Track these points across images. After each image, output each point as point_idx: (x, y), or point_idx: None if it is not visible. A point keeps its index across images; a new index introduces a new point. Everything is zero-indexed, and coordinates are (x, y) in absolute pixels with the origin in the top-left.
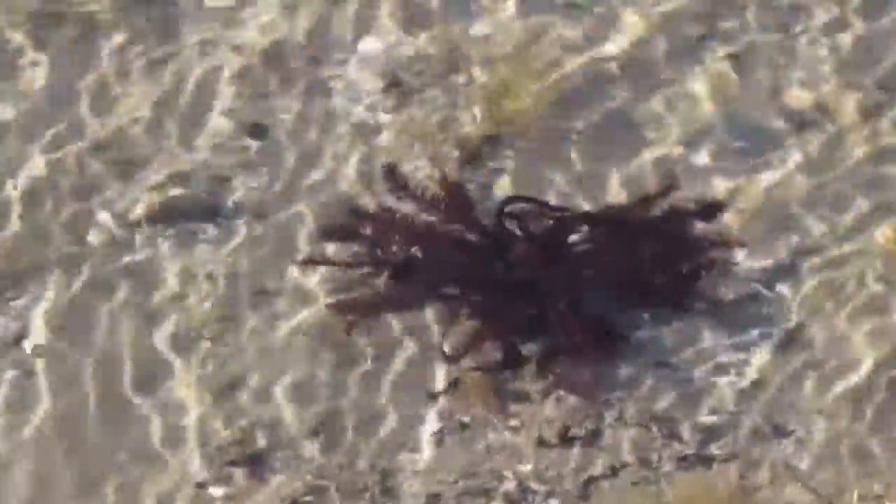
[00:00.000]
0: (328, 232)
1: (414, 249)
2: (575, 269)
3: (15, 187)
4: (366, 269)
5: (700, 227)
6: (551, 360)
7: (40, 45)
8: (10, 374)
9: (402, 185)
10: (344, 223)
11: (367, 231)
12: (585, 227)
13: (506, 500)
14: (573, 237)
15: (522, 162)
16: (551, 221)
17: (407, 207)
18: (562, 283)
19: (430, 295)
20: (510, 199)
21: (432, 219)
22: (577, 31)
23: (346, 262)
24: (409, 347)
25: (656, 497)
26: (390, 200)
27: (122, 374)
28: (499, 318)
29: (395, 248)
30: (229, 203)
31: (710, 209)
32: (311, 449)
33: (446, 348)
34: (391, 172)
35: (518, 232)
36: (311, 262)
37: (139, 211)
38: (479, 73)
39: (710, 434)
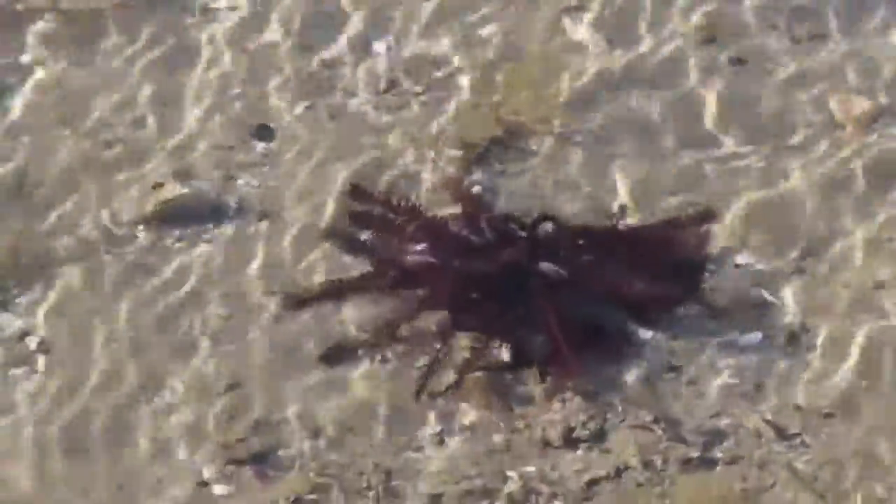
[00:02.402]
0: (332, 232)
1: (417, 248)
2: (567, 275)
3: (21, 184)
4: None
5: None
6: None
7: (45, 40)
8: (15, 371)
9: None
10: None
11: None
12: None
13: (509, 500)
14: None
15: (529, 163)
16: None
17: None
18: (551, 289)
19: (432, 298)
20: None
21: (437, 218)
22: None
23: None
24: (412, 346)
25: (660, 499)
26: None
27: (124, 371)
28: (500, 319)
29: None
30: (233, 203)
31: (704, 217)
32: (314, 448)
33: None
34: (356, 189)
35: (516, 235)
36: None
37: (144, 210)
38: (486, 75)
39: (713, 436)
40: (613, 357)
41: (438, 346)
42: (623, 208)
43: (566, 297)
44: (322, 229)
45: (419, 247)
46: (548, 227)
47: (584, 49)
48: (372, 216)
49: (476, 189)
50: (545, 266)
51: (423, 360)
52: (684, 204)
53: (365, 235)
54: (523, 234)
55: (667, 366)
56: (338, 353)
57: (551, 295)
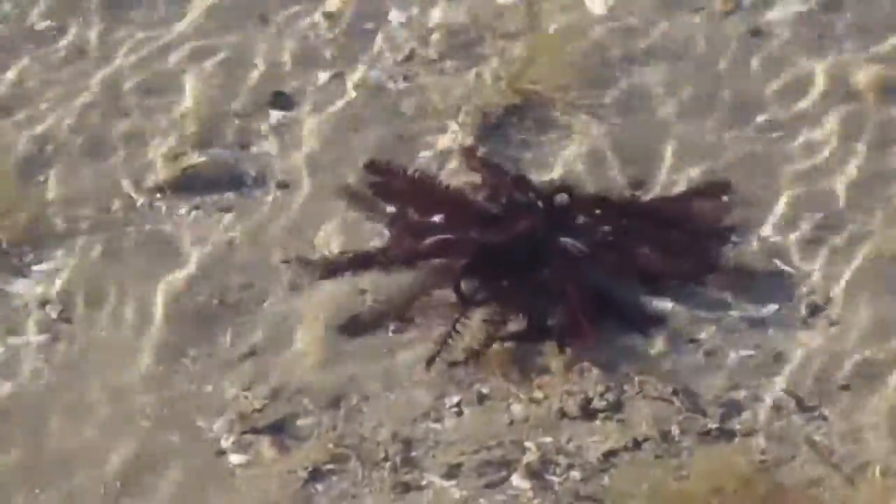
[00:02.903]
0: (352, 197)
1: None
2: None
3: (40, 150)
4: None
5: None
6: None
7: (71, 8)
8: (36, 338)
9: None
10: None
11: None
12: (599, 210)
13: (527, 471)
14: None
15: (546, 133)
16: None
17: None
18: (569, 260)
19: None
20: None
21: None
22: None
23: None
24: (431, 317)
25: (677, 470)
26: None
27: (143, 341)
28: (519, 289)
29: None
30: (252, 171)
31: (717, 188)
32: (332, 418)
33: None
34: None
35: (532, 206)
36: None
37: (163, 178)
38: (504, 44)
39: (732, 408)
40: (631, 328)
41: (454, 316)
42: (640, 179)
43: (584, 268)
44: (341, 195)
45: (436, 218)
46: (564, 197)
47: (603, 20)
48: (389, 189)
49: (494, 158)
50: (565, 241)
51: (439, 331)
52: (704, 175)
53: (384, 206)
54: (540, 204)
55: (685, 337)
56: (357, 324)
57: (568, 266)
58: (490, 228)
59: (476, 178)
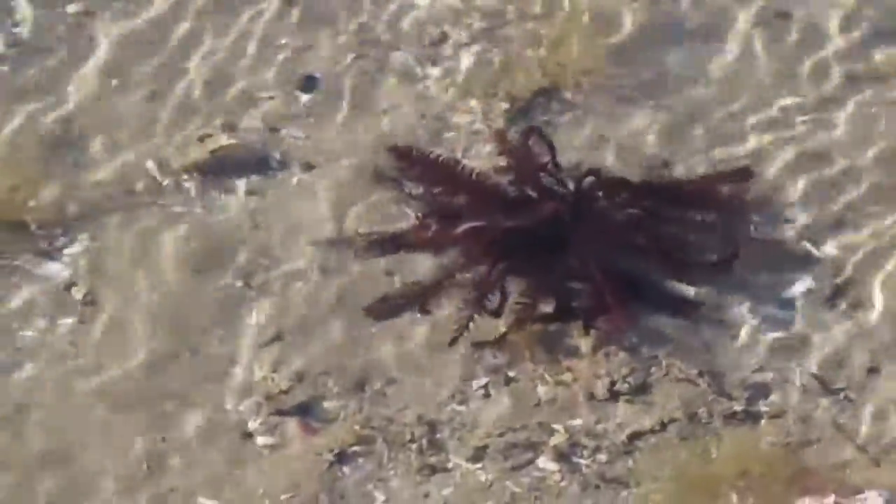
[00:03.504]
0: (380, 178)
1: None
2: (608, 230)
3: (67, 134)
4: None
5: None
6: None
7: None
8: (63, 320)
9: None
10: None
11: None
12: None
13: (554, 453)
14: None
15: (574, 116)
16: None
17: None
18: (593, 243)
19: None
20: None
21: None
22: None
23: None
24: (456, 298)
25: (704, 453)
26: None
27: (168, 324)
28: (546, 272)
29: (439, 197)
30: (279, 154)
31: (742, 174)
32: (358, 400)
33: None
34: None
35: (559, 189)
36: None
37: (188, 160)
38: (532, 26)
39: (758, 390)
40: (662, 311)
41: (480, 298)
42: (666, 161)
43: (611, 251)
44: (368, 178)
45: (462, 202)
46: (590, 180)
47: (629, 2)
48: (413, 173)
49: (522, 141)
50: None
51: (465, 312)
52: (727, 158)
53: (411, 188)
54: (566, 188)
55: (712, 319)
56: (383, 307)
57: (596, 248)
58: (515, 212)
59: (503, 161)
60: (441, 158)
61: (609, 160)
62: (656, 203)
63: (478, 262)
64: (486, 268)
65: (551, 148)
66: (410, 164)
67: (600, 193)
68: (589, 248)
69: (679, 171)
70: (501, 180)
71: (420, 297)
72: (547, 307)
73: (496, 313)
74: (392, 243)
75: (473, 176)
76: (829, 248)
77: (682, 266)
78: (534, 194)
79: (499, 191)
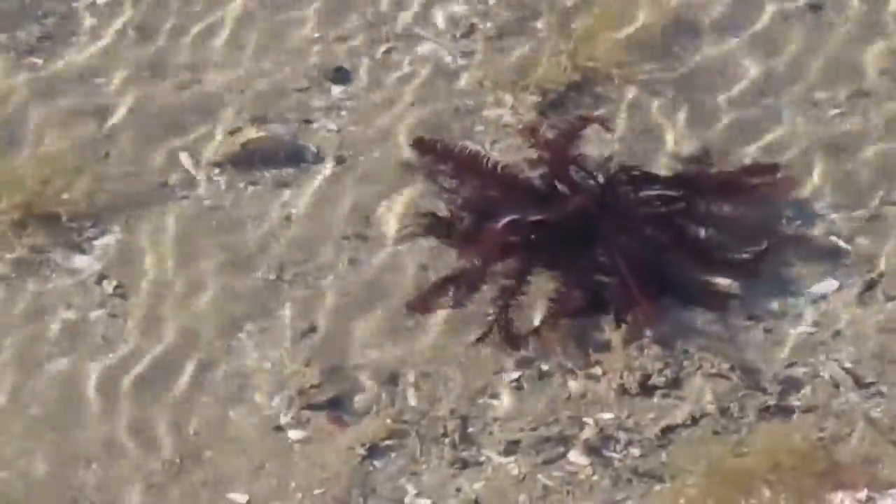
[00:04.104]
0: (410, 171)
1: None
2: (635, 224)
3: (99, 127)
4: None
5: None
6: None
7: None
8: (95, 313)
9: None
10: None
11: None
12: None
13: (586, 447)
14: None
15: (605, 109)
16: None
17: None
18: (620, 236)
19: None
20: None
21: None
22: None
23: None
24: (488, 292)
25: (736, 447)
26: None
27: (200, 317)
28: (575, 266)
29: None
30: (311, 146)
31: (770, 168)
32: (390, 394)
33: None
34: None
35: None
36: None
37: (222, 153)
38: (562, 19)
39: (790, 384)
40: (696, 304)
41: (508, 293)
42: (698, 155)
43: (638, 245)
44: (399, 169)
45: (494, 196)
46: (617, 174)
47: None
48: (437, 167)
49: (552, 133)
50: None
51: (496, 307)
52: (759, 151)
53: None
54: (596, 181)
55: (744, 314)
56: (419, 301)
57: (622, 242)
58: (543, 206)
59: (532, 154)
60: (466, 151)
61: (640, 153)
62: (684, 197)
63: (508, 256)
64: (514, 263)
65: (560, 145)
66: (434, 157)
67: (629, 187)
68: (616, 242)
69: (711, 164)
70: (527, 174)
71: (455, 292)
72: (579, 301)
73: (514, 341)
74: (432, 230)
75: (498, 169)
76: (862, 242)
77: (710, 262)
78: (562, 188)
79: (525, 184)
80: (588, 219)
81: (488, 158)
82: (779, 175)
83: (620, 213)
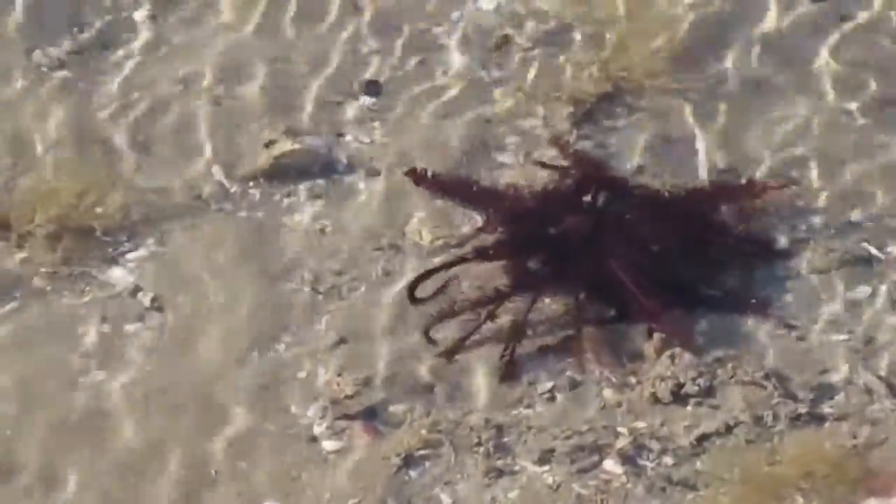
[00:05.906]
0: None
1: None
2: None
3: (134, 138)
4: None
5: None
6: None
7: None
8: (130, 327)
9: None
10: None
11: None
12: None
13: (620, 456)
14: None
15: (637, 120)
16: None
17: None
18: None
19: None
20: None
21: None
22: None
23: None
24: (517, 303)
25: (769, 455)
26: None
27: (235, 329)
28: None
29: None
30: (344, 159)
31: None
32: (425, 404)
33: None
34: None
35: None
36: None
37: (256, 166)
38: (595, 30)
39: (823, 392)
40: (721, 312)
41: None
42: (730, 168)
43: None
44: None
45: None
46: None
47: (694, 7)
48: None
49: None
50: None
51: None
52: (787, 162)
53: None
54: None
55: (778, 322)
56: (451, 311)
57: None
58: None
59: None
60: (456, 180)
61: (671, 165)
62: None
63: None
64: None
65: (585, 158)
66: (427, 187)
67: (632, 204)
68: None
69: (739, 176)
70: (527, 192)
71: (486, 308)
72: (606, 312)
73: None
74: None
75: (487, 192)
76: (894, 250)
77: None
78: (564, 206)
79: (527, 204)
80: (594, 236)
81: (478, 183)
82: (789, 188)
83: (619, 230)
